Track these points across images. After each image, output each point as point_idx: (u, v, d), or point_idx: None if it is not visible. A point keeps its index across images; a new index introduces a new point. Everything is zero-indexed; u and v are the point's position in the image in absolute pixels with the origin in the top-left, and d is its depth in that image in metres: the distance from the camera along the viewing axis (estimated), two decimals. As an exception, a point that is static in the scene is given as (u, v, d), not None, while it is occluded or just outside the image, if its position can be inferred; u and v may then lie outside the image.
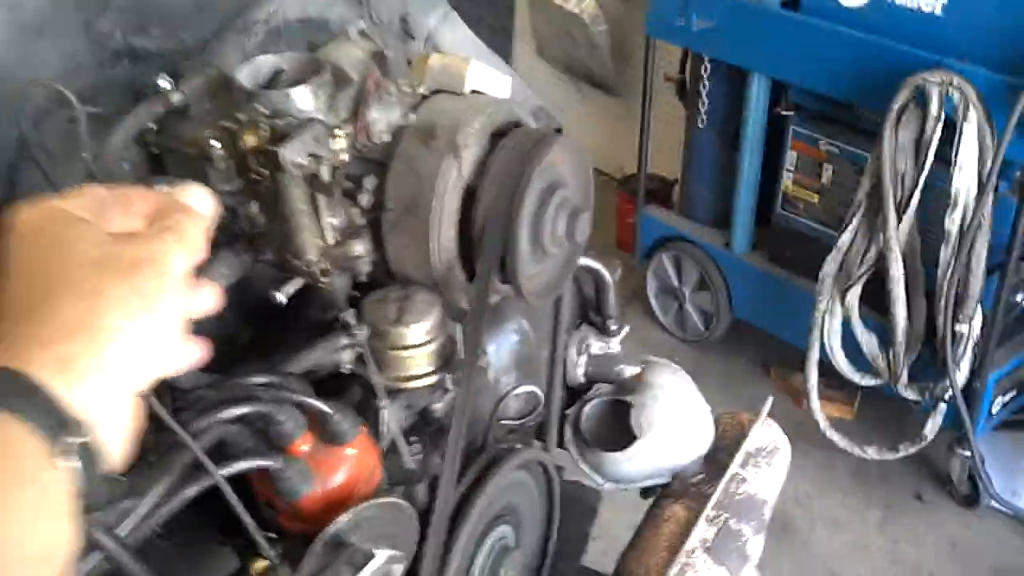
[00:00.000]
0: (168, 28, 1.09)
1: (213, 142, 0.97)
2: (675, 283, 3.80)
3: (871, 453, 3.21)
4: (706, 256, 3.64)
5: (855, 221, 3.01)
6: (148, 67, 1.03)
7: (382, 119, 1.02)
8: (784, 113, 3.32)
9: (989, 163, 2.69)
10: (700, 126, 3.58)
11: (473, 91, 1.11)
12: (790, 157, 3.34)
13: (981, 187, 2.74)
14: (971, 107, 2.67)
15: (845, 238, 3.04)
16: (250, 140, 0.94)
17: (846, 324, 3.13)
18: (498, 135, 1.10)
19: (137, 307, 0.64)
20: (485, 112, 1.07)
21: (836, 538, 3.11)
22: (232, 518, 1.09)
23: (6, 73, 0.98)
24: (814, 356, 3.22)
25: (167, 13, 1.10)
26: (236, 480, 0.94)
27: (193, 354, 0.72)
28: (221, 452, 0.95)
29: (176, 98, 1.00)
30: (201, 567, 1.13)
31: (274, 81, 1.00)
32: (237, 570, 1.11)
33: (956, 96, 2.68)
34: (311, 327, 1.11)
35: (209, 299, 0.73)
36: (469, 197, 1.08)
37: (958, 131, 2.70)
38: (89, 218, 0.68)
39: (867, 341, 3.13)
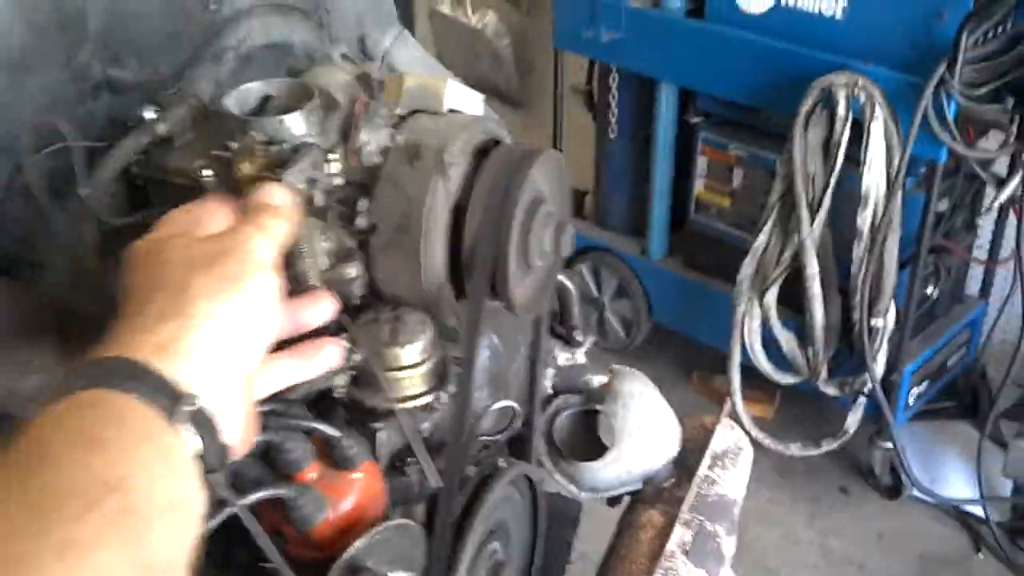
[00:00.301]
0: (143, 58, 1.07)
1: (205, 172, 0.95)
2: (594, 292, 3.84)
3: (795, 450, 3.30)
4: (623, 264, 3.69)
5: (769, 223, 3.10)
6: (128, 99, 1.01)
7: (372, 141, 1.01)
8: (693, 120, 3.40)
9: (897, 161, 2.80)
10: (611, 136, 3.64)
11: (450, 110, 1.12)
12: (701, 163, 3.43)
13: (890, 184, 2.85)
14: (877, 107, 2.78)
15: (760, 240, 3.13)
16: (246, 168, 0.92)
17: (764, 324, 3.22)
18: (480, 152, 1.10)
19: (224, 292, 0.73)
20: (468, 130, 1.07)
21: (767, 534, 3.18)
22: (226, 554, 1.08)
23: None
24: (736, 358, 3.29)
25: (141, 43, 1.07)
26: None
27: (325, 308, 0.89)
28: (231, 484, 0.93)
29: (161, 128, 0.97)
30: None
31: (262, 108, 0.99)
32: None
33: (862, 97, 2.79)
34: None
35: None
36: (457, 215, 1.07)
37: (865, 131, 2.81)
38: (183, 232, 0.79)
39: (786, 340, 3.22)
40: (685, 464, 1.54)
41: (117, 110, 1.01)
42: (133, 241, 0.78)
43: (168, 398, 0.65)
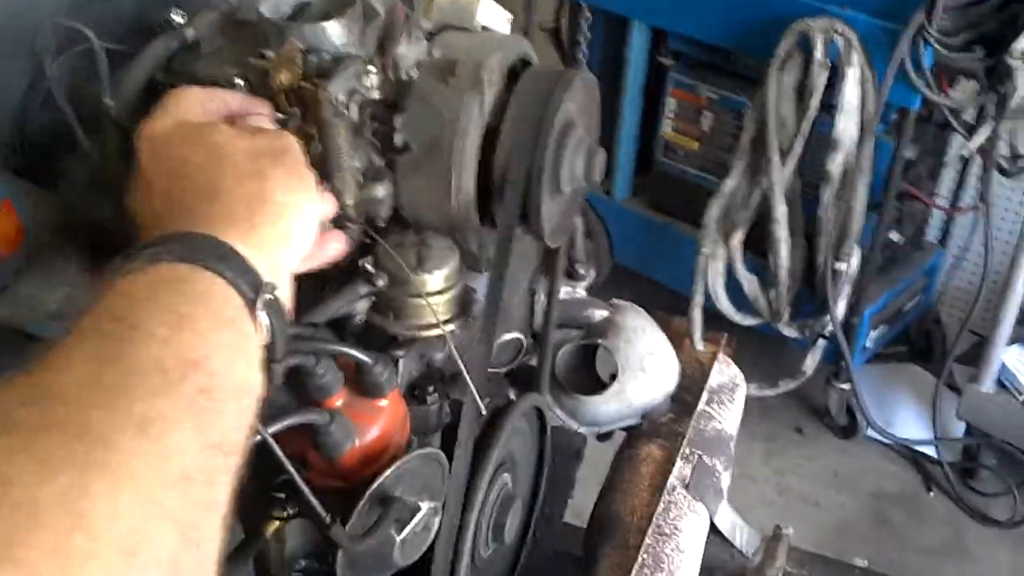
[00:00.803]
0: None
1: (238, 80, 0.90)
2: (556, 231, 3.81)
3: (752, 390, 3.33)
4: (587, 204, 3.66)
5: (739, 166, 3.09)
6: (154, 1, 0.95)
7: (410, 54, 0.97)
8: (664, 61, 3.37)
9: (871, 107, 2.81)
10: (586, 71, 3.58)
11: (482, 27, 1.08)
12: (670, 105, 3.40)
13: (863, 131, 2.86)
14: (854, 53, 2.77)
15: (729, 183, 3.12)
16: (284, 77, 0.88)
17: (728, 267, 3.22)
18: (512, 73, 1.07)
19: (296, 186, 0.75)
20: (502, 49, 1.04)
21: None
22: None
23: (15, 12, 0.89)
24: (698, 299, 3.29)
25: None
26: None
27: (335, 244, 0.87)
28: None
29: (190, 33, 0.92)
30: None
31: (297, 15, 0.94)
32: (244, 538, 1.06)
33: (840, 42, 2.77)
34: (319, 277, 1.05)
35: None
36: (487, 137, 1.04)
37: (841, 76, 2.80)
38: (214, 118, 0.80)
39: (749, 282, 3.23)
40: (682, 400, 1.54)
41: (143, 13, 0.95)
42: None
43: (250, 284, 0.66)
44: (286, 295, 0.72)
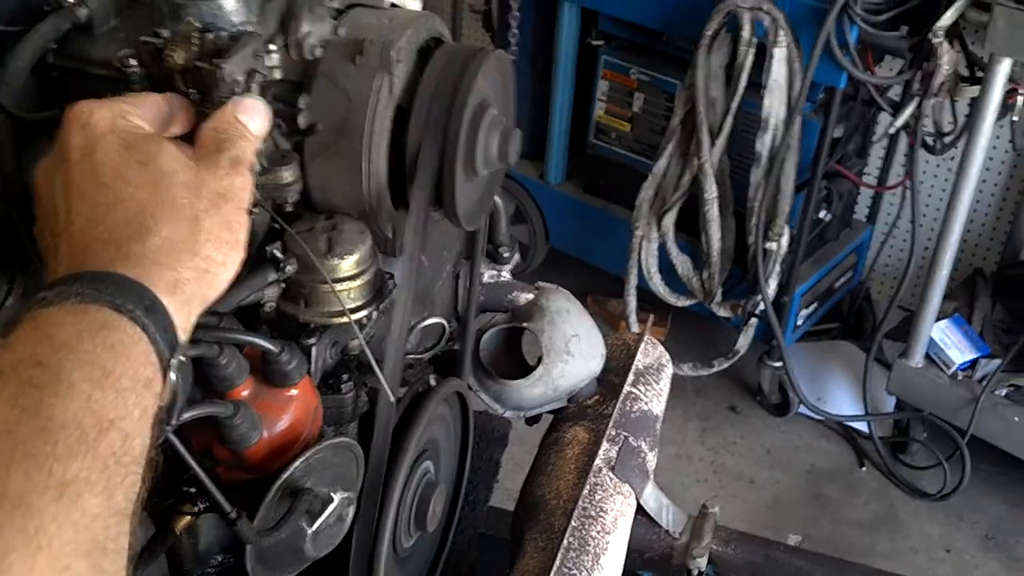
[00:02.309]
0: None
1: (131, 60, 0.87)
2: (491, 216, 3.79)
3: (686, 370, 3.36)
4: (521, 188, 3.66)
5: (670, 147, 3.10)
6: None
7: (314, 33, 0.94)
8: (594, 43, 3.36)
9: (798, 86, 2.82)
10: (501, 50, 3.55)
11: (391, 4, 1.05)
12: (601, 87, 3.39)
13: (790, 109, 2.87)
14: (780, 32, 2.78)
15: (660, 164, 3.13)
16: (179, 57, 0.85)
17: (661, 248, 3.23)
18: (423, 51, 1.04)
19: (226, 240, 0.71)
20: (412, 26, 1.01)
21: (660, 451, 3.23)
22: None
23: None
24: (632, 281, 3.31)
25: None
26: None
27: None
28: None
29: (82, 13, 0.88)
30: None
31: (194, -8, 0.90)
32: (153, 534, 1.03)
33: (767, 21, 2.79)
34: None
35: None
36: (399, 119, 1.02)
37: (768, 56, 2.82)
38: (154, 130, 0.74)
39: (682, 263, 3.24)
40: (608, 381, 1.53)
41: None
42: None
43: (168, 344, 0.64)
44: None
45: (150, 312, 0.63)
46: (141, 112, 0.75)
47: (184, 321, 0.67)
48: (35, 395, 0.55)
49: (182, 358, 0.65)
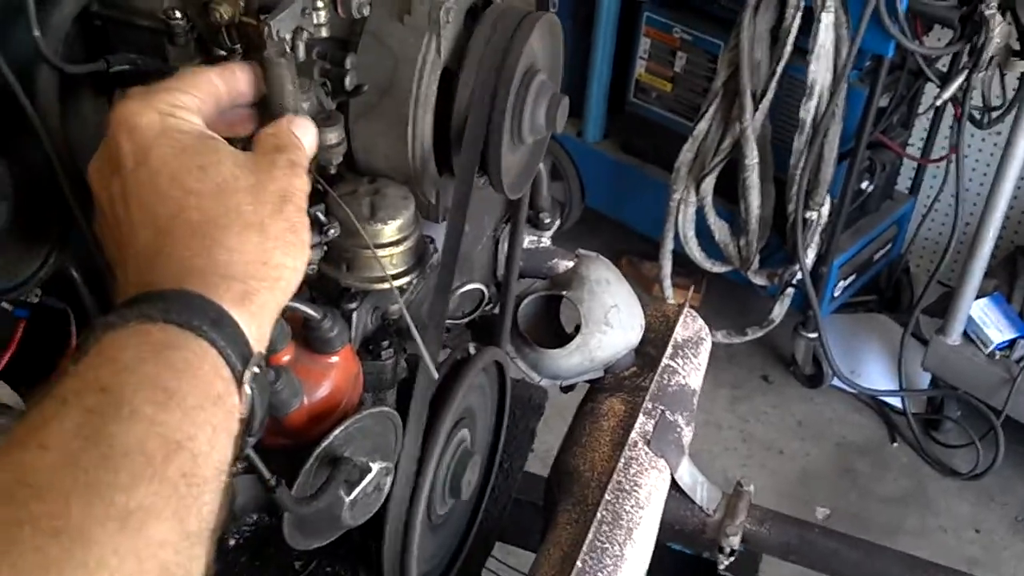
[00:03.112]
0: None
1: (176, 13, 0.84)
2: (526, 174, 3.75)
3: (720, 337, 3.32)
4: (558, 145, 3.61)
5: (711, 110, 3.05)
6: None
7: (362, -10, 0.91)
8: (638, -1, 3.30)
9: (845, 53, 2.76)
10: (552, 10, 3.49)
11: (442, -37, 1.01)
12: (643, 44, 3.34)
13: (836, 77, 2.81)
14: (829, -4, 2.71)
15: (701, 127, 3.08)
16: (225, 11, 0.82)
17: (699, 212, 3.19)
18: (471, 11, 1.01)
19: (293, 243, 0.69)
20: (462, -14, 0.98)
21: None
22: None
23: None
24: (668, 245, 3.27)
25: None
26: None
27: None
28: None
29: (127, -39, 0.86)
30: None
31: (240, -55, 0.87)
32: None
33: (816, -15, 2.72)
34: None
35: None
36: (446, 81, 0.99)
37: (816, 20, 2.75)
38: (212, 114, 0.73)
39: (719, 229, 3.20)
40: (646, 353, 1.50)
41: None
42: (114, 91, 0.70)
43: (240, 356, 0.62)
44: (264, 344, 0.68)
45: (217, 326, 0.61)
46: (192, 100, 0.72)
47: (258, 332, 0.65)
48: (97, 423, 0.54)
49: (257, 369, 0.63)
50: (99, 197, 0.70)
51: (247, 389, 0.62)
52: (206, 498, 0.56)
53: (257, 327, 0.65)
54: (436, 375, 0.95)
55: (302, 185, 0.73)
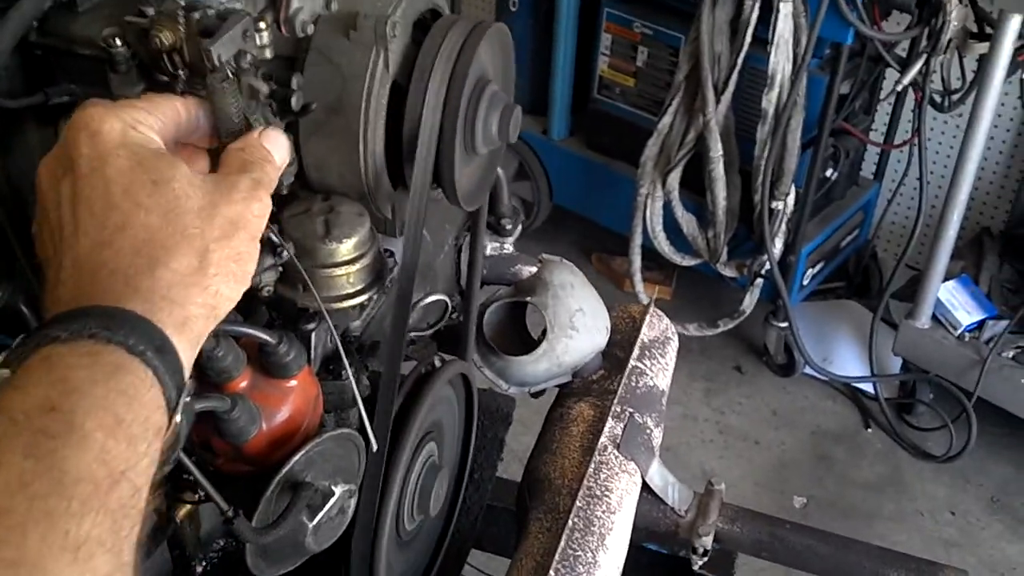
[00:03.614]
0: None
1: (116, 41, 0.83)
2: (492, 173, 3.74)
3: (692, 330, 3.33)
4: (524, 144, 3.61)
5: (674, 103, 3.05)
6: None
7: (305, 8, 0.90)
8: (597, -5, 3.30)
9: (804, 42, 2.77)
10: (512, 9, 3.50)
11: (387, -25, 1.00)
12: (605, 40, 3.33)
13: (796, 65, 2.82)
14: (787, -14, 2.72)
15: (665, 121, 3.08)
16: (167, 37, 0.81)
17: (666, 206, 3.19)
18: (419, 24, 1.00)
19: (235, 274, 0.68)
20: (407, -1, 0.97)
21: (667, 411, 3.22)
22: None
23: None
24: (637, 240, 3.28)
25: None
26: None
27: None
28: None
29: (63, -11, 0.84)
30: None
31: (179, -32, 0.86)
32: (155, 523, 1.01)
33: (773, -25, 2.72)
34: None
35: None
36: (396, 95, 0.98)
37: (774, 10, 2.76)
38: (172, 137, 0.73)
39: (687, 222, 3.21)
40: (613, 356, 1.50)
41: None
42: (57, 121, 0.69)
43: (176, 386, 0.62)
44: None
45: (160, 353, 0.60)
46: (155, 121, 0.71)
47: (189, 359, 0.64)
48: (49, 445, 0.53)
49: (186, 399, 0.63)
50: (45, 196, 0.69)
51: (177, 419, 0.62)
52: (135, 530, 0.56)
53: (190, 355, 0.64)
54: (376, 447, 0.94)
55: (261, 210, 0.72)
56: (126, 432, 0.56)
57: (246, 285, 0.70)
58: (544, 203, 3.67)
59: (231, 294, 0.68)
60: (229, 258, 0.68)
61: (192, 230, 0.66)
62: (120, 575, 0.53)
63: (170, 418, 0.61)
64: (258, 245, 0.71)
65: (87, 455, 0.54)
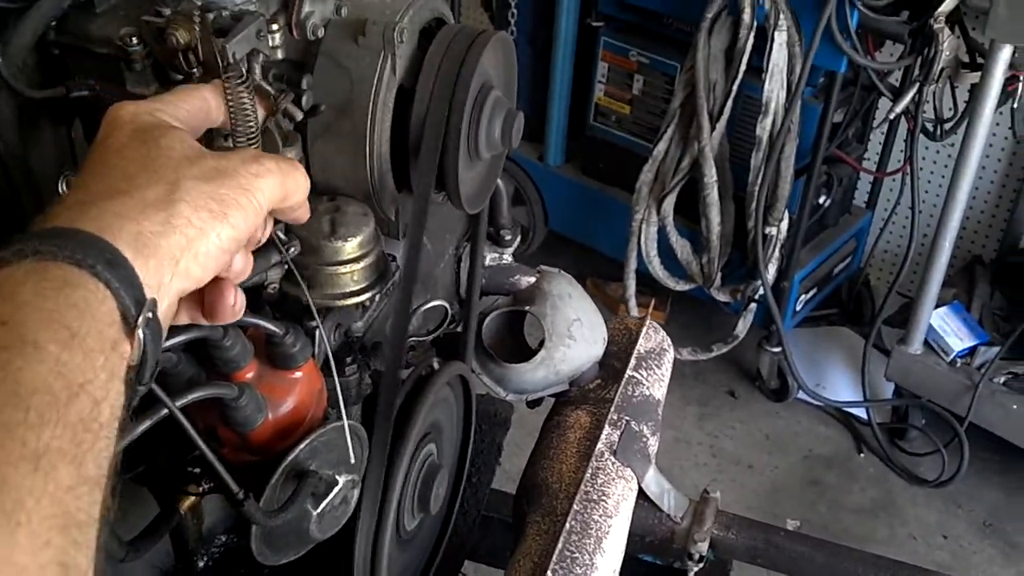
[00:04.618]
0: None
1: (133, 39, 0.86)
2: (489, 199, 3.78)
3: (686, 355, 3.35)
4: (520, 170, 3.64)
5: (669, 130, 3.09)
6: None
7: (316, 12, 0.93)
8: (594, 24, 3.34)
9: (798, 70, 2.81)
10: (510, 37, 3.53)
11: (394, -16, 1.04)
12: (601, 68, 3.38)
13: (790, 93, 2.86)
14: (781, 15, 2.77)
15: (660, 147, 3.12)
16: (183, 36, 0.84)
17: (661, 232, 3.23)
18: (425, 32, 1.04)
19: (209, 210, 0.65)
20: (414, 6, 1.00)
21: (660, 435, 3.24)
22: (149, 461, 1.01)
23: None
24: (632, 265, 3.30)
25: None
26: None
27: (228, 297, 0.73)
28: (162, 383, 0.86)
29: (82, -11, 0.88)
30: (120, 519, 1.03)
31: (196, -30, 0.89)
32: (158, 514, 1.03)
33: (767, 4, 2.78)
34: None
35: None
36: (401, 99, 1.01)
37: (769, 39, 2.81)
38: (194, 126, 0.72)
39: (681, 247, 3.24)
40: (609, 365, 1.52)
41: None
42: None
43: (135, 299, 0.60)
44: (166, 316, 0.65)
45: (112, 266, 0.59)
46: (178, 110, 0.72)
47: (151, 277, 0.62)
48: (2, 357, 0.52)
49: (150, 315, 0.60)
50: None
51: (139, 335, 0.60)
52: (101, 444, 0.54)
53: (152, 273, 0.62)
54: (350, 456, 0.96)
55: (260, 172, 0.70)
56: (81, 345, 0.55)
57: (225, 228, 0.66)
58: (540, 228, 3.71)
59: (203, 226, 0.65)
60: (206, 194, 0.66)
61: (166, 167, 0.66)
62: (85, 488, 0.52)
63: (131, 333, 0.59)
64: (254, 203, 0.69)
65: (41, 367, 0.53)
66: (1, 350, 0.52)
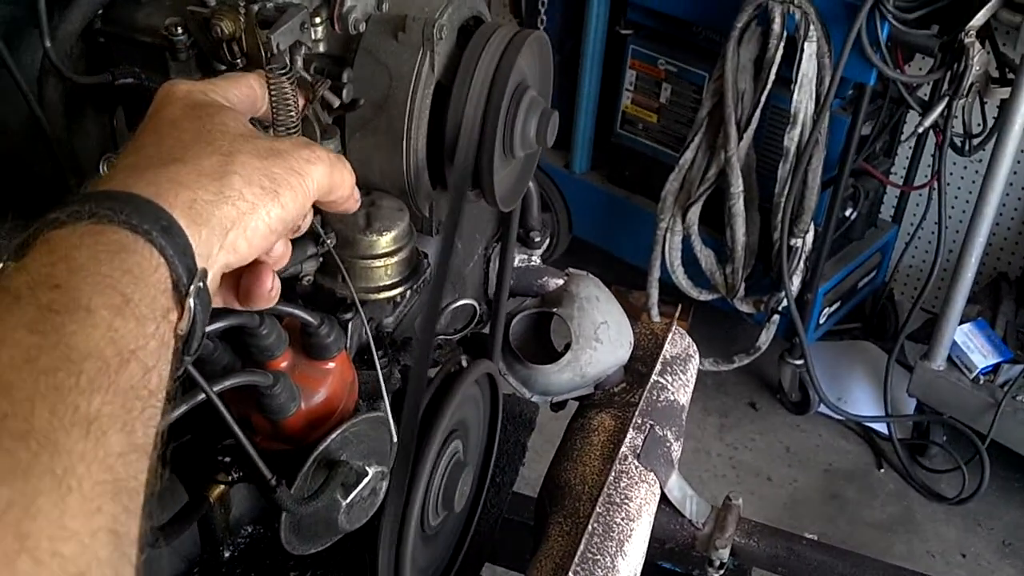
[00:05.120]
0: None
1: (178, 29, 0.87)
2: (514, 204, 3.79)
3: (707, 365, 3.34)
4: (545, 176, 3.65)
5: (696, 139, 3.09)
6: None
7: (358, 7, 0.94)
8: (623, 32, 3.35)
9: (827, 82, 2.81)
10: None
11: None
12: (629, 76, 3.38)
13: (819, 105, 2.86)
14: (811, 26, 2.77)
15: (687, 156, 3.12)
16: (227, 27, 0.85)
17: (685, 241, 3.23)
18: (463, 30, 1.04)
19: (261, 186, 0.66)
20: (453, 4, 1.01)
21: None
22: (179, 450, 1.02)
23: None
24: (655, 274, 3.30)
25: None
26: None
27: (265, 282, 0.73)
28: (199, 370, 0.87)
29: (130, -21, 0.89)
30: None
31: (241, -38, 0.90)
32: (187, 503, 1.04)
33: (797, 15, 2.77)
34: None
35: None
36: (439, 96, 1.02)
37: (799, 50, 2.80)
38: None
39: (706, 257, 3.23)
40: (635, 370, 1.53)
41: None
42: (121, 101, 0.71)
43: (188, 269, 0.60)
44: (212, 289, 0.65)
45: (167, 233, 0.58)
46: (228, 92, 0.73)
47: (203, 247, 0.62)
48: (55, 320, 0.52)
49: (201, 284, 0.61)
50: None
51: (190, 304, 0.60)
52: (149, 412, 0.54)
53: (203, 242, 0.62)
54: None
55: (321, 169, 0.70)
56: (133, 311, 0.55)
57: (276, 206, 0.66)
58: (564, 235, 3.71)
59: (255, 201, 0.65)
60: (260, 171, 0.66)
61: (220, 140, 0.66)
62: (135, 455, 0.52)
63: (181, 302, 0.60)
64: (304, 187, 0.69)
65: (95, 332, 0.52)
66: (54, 313, 0.52)
